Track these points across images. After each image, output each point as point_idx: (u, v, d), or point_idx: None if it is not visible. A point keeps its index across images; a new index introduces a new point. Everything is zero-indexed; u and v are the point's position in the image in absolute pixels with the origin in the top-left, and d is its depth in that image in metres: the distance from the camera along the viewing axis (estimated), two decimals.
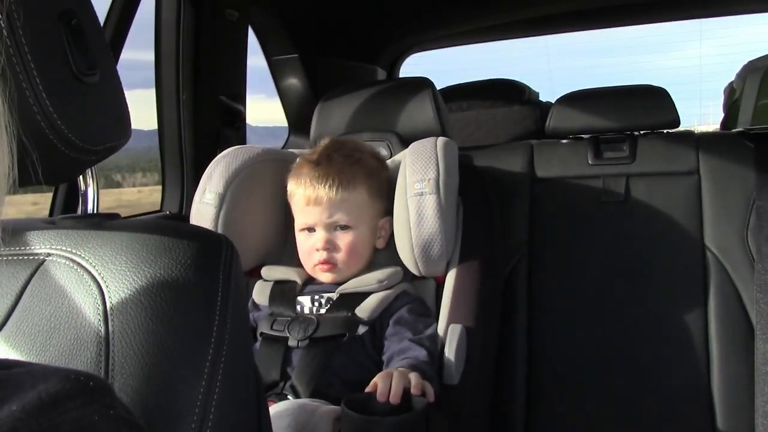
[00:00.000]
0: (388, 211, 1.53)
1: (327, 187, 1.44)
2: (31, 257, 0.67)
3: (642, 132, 1.94)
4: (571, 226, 1.90)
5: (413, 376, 1.19)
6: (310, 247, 1.47)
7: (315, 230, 1.46)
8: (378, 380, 1.17)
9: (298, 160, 1.55)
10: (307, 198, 1.45)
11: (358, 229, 1.47)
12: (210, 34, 1.82)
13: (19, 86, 0.58)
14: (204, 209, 1.48)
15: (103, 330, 0.61)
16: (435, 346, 1.35)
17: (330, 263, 1.45)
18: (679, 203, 1.82)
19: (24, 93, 0.58)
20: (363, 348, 1.38)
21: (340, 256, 1.45)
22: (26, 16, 0.58)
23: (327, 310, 1.42)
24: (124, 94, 0.73)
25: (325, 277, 1.47)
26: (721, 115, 2.73)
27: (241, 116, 2.01)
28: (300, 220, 1.49)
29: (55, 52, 0.62)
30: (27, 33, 0.58)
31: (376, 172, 1.53)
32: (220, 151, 1.58)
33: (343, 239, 1.46)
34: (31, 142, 0.57)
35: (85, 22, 0.66)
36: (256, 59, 2.07)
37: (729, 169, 1.79)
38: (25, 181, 0.61)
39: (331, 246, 1.45)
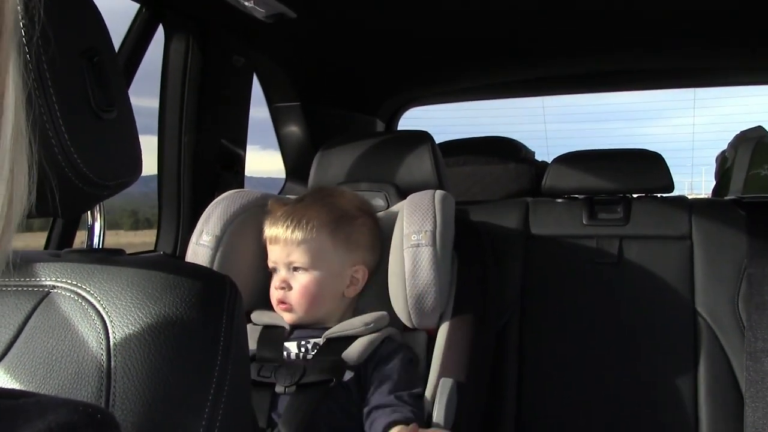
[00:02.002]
0: (367, 262, 1.53)
1: (285, 227, 1.46)
2: (35, 289, 0.67)
3: (636, 195, 1.97)
4: (563, 285, 1.90)
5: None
6: (272, 286, 1.49)
7: (277, 270, 1.49)
8: None
9: (278, 201, 1.57)
10: (269, 237, 1.49)
11: (315, 273, 1.46)
12: (216, 79, 1.85)
13: (39, 119, 0.59)
14: (200, 251, 1.48)
15: (105, 364, 0.61)
16: (420, 403, 1.35)
17: (285, 303, 1.46)
18: (671, 267, 1.84)
19: (44, 126, 0.59)
20: (350, 394, 1.37)
21: (293, 297, 1.46)
22: (51, 51, 0.60)
23: (314, 355, 1.41)
24: (137, 131, 0.74)
25: (286, 317, 1.48)
26: (710, 186, 2.77)
27: (240, 161, 2.03)
28: (269, 256, 1.51)
29: (77, 88, 0.64)
30: (51, 67, 0.59)
31: (347, 220, 1.51)
32: (218, 195, 1.59)
33: (298, 280, 1.46)
34: (49, 174, 0.58)
35: (106, 59, 0.67)
36: (253, 110, 2.09)
37: (721, 236, 1.81)
38: (38, 212, 0.61)
39: (285, 285, 1.47)
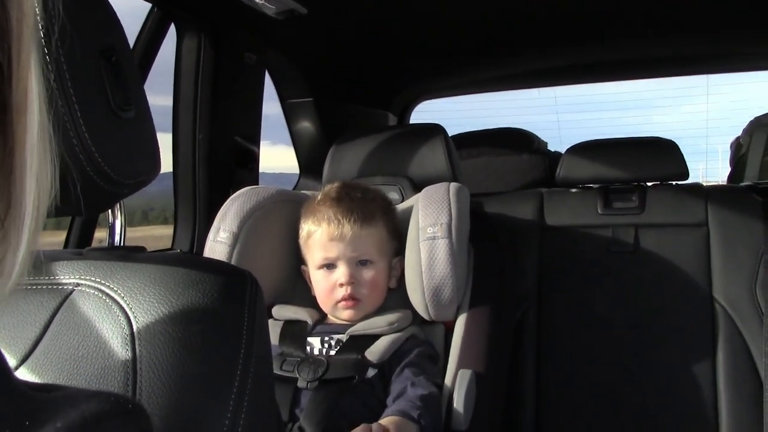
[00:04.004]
0: (399, 252, 1.54)
1: (352, 221, 1.46)
2: (59, 287, 0.68)
3: (651, 183, 1.96)
4: (580, 275, 1.90)
5: (392, 428, 1.19)
6: (332, 283, 1.47)
7: (336, 266, 1.47)
8: None
9: (310, 200, 1.57)
10: (331, 234, 1.46)
11: (379, 265, 1.49)
12: (228, 76, 1.85)
13: (60, 118, 0.60)
14: (218, 247, 1.49)
15: (130, 359, 0.61)
16: (432, 389, 1.34)
17: (354, 299, 1.46)
18: (688, 255, 1.83)
19: (65, 125, 0.60)
20: (372, 391, 1.37)
21: (364, 291, 1.47)
22: (70, 50, 0.60)
23: (337, 351, 1.42)
24: (155, 130, 0.75)
25: (346, 314, 1.47)
26: (725, 173, 2.76)
27: (254, 157, 2.03)
28: (319, 256, 1.49)
29: (96, 87, 0.64)
30: (71, 67, 0.60)
31: (392, 211, 1.57)
32: (234, 192, 1.59)
33: (366, 274, 1.47)
34: (71, 173, 0.59)
35: (123, 59, 0.68)
36: (264, 106, 2.10)
37: (738, 222, 1.80)
38: (61, 211, 0.62)
39: (355, 281, 1.46)
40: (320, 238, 1.48)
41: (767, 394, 1.61)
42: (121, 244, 0.82)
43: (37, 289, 0.68)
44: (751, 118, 2.67)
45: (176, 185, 1.88)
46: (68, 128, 0.60)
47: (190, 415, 0.59)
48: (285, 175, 2.57)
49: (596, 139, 2.06)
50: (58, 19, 0.58)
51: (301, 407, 1.33)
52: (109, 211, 0.81)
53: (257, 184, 1.95)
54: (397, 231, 1.55)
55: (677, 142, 1.94)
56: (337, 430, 1.29)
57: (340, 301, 1.47)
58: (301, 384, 1.35)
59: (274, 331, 1.48)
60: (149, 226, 2.39)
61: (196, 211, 1.88)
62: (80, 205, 0.58)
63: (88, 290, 0.67)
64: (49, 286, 0.68)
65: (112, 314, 0.64)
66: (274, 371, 1.37)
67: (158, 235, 2.09)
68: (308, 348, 1.43)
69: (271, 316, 1.53)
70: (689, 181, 1.99)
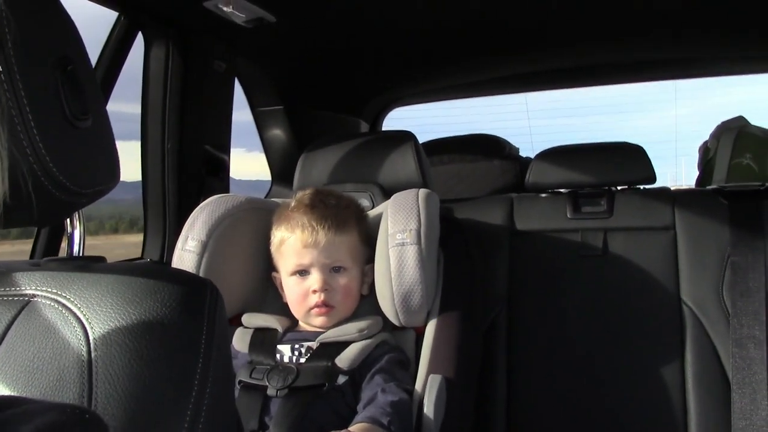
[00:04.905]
0: (371, 259, 1.55)
1: (326, 228, 1.46)
2: (16, 298, 0.67)
3: (619, 188, 1.98)
4: (550, 279, 1.91)
5: None
6: (305, 290, 1.47)
7: (309, 273, 1.47)
8: None
9: (282, 207, 1.57)
10: (305, 240, 1.46)
11: (352, 272, 1.49)
12: (197, 84, 1.85)
13: (13, 128, 0.59)
14: (186, 256, 1.48)
15: (86, 370, 0.61)
16: (403, 395, 1.34)
17: (327, 305, 1.46)
18: (656, 258, 1.85)
19: (18, 135, 0.60)
20: (343, 398, 1.37)
21: (338, 298, 1.47)
22: (24, 59, 0.60)
23: (307, 359, 1.41)
24: (114, 139, 0.75)
25: (319, 321, 1.47)
26: (693, 177, 2.79)
27: (225, 165, 2.03)
28: (292, 262, 1.48)
29: (50, 96, 0.64)
30: (24, 76, 0.60)
31: (364, 218, 1.58)
32: (204, 200, 1.59)
33: (340, 281, 1.47)
34: (24, 183, 0.58)
35: (79, 68, 0.68)
36: (238, 113, 2.10)
37: (704, 225, 1.82)
38: (14, 221, 0.62)
39: (329, 287, 1.46)
40: (294, 244, 1.47)
41: (734, 395, 1.63)
42: (80, 254, 0.82)
43: None
44: (719, 123, 2.70)
45: (145, 194, 1.88)
46: (21, 138, 0.60)
47: (146, 426, 0.59)
48: (262, 183, 2.57)
49: (564, 145, 2.07)
50: (11, 29, 0.57)
51: (270, 415, 1.32)
52: (68, 220, 0.81)
53: (227, 192, 1.95)
54: (368, 238, 1.55)
55: (647, 147, 1.97)
56: None
57: (313, 308, 1.46)
58: (270, 392, 1.34)
59: (244, 339, 1.47)
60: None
61: (166, 220, 1.87)
62: (33, 214, 0.58)
63: (44, 301, 0.66)
64: (5, 297, 0.67)
65: (69, 325, 0.64)
66: (244, 379, 1.37)
67: None
68: (278, 356, 1.43)
69: (241, 324, 1.52)
70: (660, 185, 2.01)
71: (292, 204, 1.54)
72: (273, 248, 1.54)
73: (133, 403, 0.59)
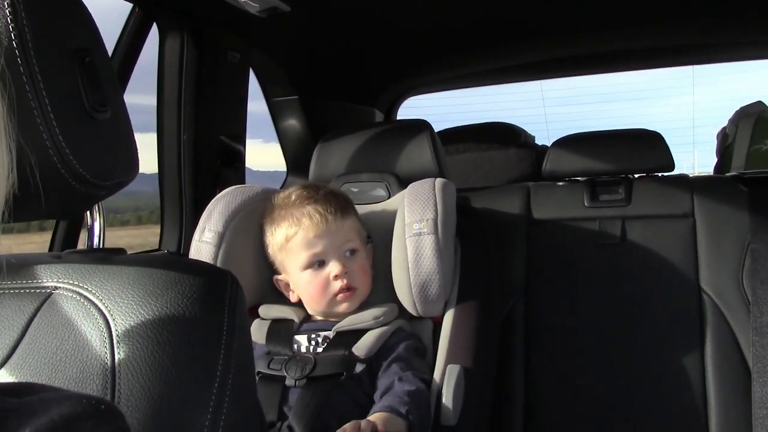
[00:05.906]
0: (368, 238, 1.57)
1: (332, 213, 1.46)
2: (38, 290, 0.67)
3: (637, 175, 1.96)
4: (567, 268, 1.90)
5: (380, 424, 1.19)
6: (323, 279, 1.46)
7: (325, 262, 1.46)
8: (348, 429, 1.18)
9: (269, 209, 1.54)
10: (316, 229, 1.45)
11: (363, 252, 1.50)
12: (212, 76, 1.85)
13: (32, 120, 0.59)
14: (203, 248, 1.48)
15: (109, 362, 0.61)
16: (420, 384, 1.34)
17: (351, 288, 1.45)
18: (674, 246, 1.83)
19: (38, 127, 0.59)
20: (360, 387, 1.37)
21: (358, 278, 1.47)
22: (42, 51, 0.60)
23: (324, 348, 1.42)
24: (132, 131, 0.75)
25: (343, 306, 1.46)
26: (711, 163, 2.76)
27: (240, 156, 2.03)
28: (304, 256, 1.46)
29: (69, 88, 0.64)
30: (42, 68, 0.60)
31: (351, 201, 1.60)
32: (220, 191, 1.59)
33: (356, 262, 1.48)
34: (44, 175, 0.58)
35: (98, 59, 0.68)
36: (255, 104, 2.10)
37: (723, 213, 1.81)
38: (35, 214, 0.62)
39: (348, 269, 1.46)
40: (303, 236, 1.46)
41: (755, 384, 1.62)
42: (101, 246, 0.82)
43: (15, 293, 0.68)
44: (737, 108, 2.67)
45: (162, 186, 1.88)
46: (41, 130, 0.60)
47: (169, 418, 0.59)
48: (279, 174, 2.56)
49: (581, 132, 2.06)
50: (29, 21, 0.57)
51: (289, 405, 1.33)
52: (88, 213, 0.81)
53: (243, 183, 1.95)
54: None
55: (666, 134, 1.95)
56: (327, 428, 1.29)
57: (337, 294, 1.45)
58: (289, 382, 1.35)
59: (261, 330, 1.47)
60: None
61: (183, 211, 1.87)
62: (54, 207, 0.58)
63: (66, 293, 0.66)
64: (28, 290, 0.68)
65: (91, 317, 0.64)
66: (262, 370, 1.38)
67: None
68: (295, 346, 1.43)
69: (257, 316, 1.52)
70: (676, 172, 1.99)
71: (280, 203, 1.52)
72: (274, 249, 1.51)
73: (157, 395, 0.59)
